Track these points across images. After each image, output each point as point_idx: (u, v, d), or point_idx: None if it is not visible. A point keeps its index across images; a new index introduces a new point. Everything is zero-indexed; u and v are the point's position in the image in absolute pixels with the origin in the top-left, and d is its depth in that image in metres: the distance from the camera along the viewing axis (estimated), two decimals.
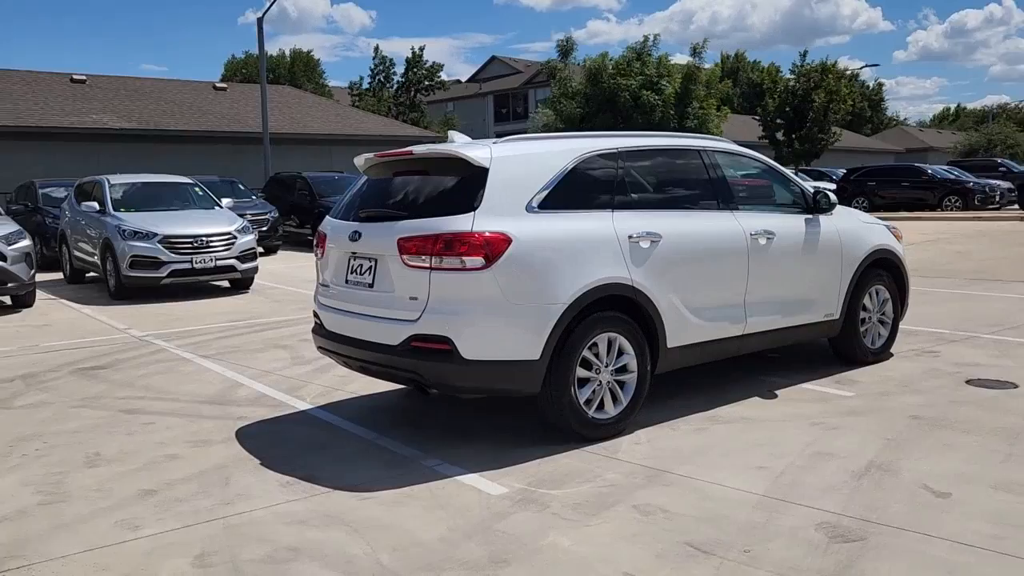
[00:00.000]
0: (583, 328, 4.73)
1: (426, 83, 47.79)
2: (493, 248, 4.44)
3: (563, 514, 3.83)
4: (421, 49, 48.68)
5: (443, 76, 49.35)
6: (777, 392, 5.84)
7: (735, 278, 5.54)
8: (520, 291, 4.51)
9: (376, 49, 59.78)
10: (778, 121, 30.73)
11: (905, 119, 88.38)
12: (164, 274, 11.51)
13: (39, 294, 12.21)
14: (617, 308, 4.93)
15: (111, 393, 6.35)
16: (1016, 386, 5.87)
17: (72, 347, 8.24)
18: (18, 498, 4.20)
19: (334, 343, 5.13)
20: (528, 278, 4.54)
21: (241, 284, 12.44)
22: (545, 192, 4.75)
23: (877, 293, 6.66)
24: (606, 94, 18.96)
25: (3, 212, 11.96)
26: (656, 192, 5.44)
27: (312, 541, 3.60)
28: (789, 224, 5.98)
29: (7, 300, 11.18)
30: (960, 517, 3.67)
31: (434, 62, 48.33)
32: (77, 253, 13.37)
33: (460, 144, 4.97)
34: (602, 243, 4.83)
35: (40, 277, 14.36)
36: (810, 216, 6.13)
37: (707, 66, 21.42)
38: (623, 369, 4.98)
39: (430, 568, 3.32)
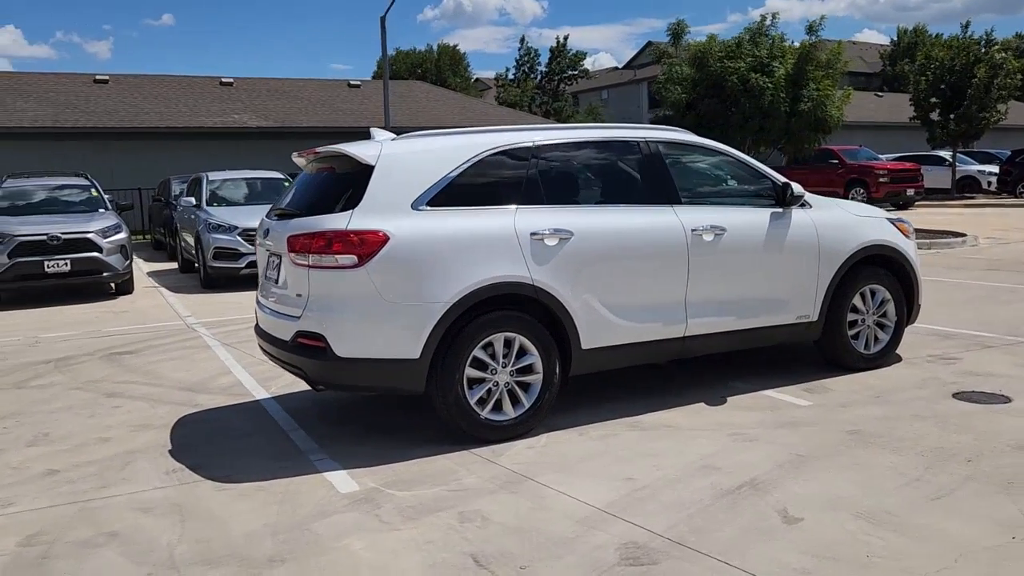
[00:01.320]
0: (473, 327, 4.64)
1: (569, 72, 47.71)
2: (367, 246, 4.45)
3: (384, 516, 3.80)
4: (565, 38, 48.91)
5: (587, 64, 49.10)
6: (729, 398, 5.47)
7: (671, 276, 5.23)
8: (398, 289, 4.50)
9: (522, 40, 60.46)
10: (932, 100, 28.22)
11: None
12: (242, 265, 12.25)
13: (145, 281, 13.40)
14: (517, 307, 4.80)
15: (114, 377, 6.88)
16: (1008, 400, 5.20)
17: (126, 332, 8.97)
18: None
19: (260, 339, 5.31)
20: (406, 276, 4.51)
21: None
22: (436, 189, 4.69)
23: (873, 294, 6.06)
24: (712, 78, 18.19)
25: (110, 207, 13.12)
26: (577, 187, 5.22)
27: (136, 528, 3.78)
28: (748, 219, 5.56)
29: (112, 287, 12.30)
30: (784, 546, 3.32)
31: (577, 51, 48.24)
32: (183, 244, 14.50)
33: (355, 143, 4.98)
34: (497, 241, 4.71)
35: (166, 267, 15.82)
36: (779, 210, 5.67)
37: (828, 42, 19.92)
38: (528, 370, 4.84)
39: (208, 562, 3.41)
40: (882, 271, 6.09)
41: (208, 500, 4.09)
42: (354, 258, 4.44)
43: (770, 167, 6.25)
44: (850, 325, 5.98)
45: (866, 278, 6.01)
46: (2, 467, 4.72)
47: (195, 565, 3.39)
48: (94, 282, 11.87)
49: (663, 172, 5.37)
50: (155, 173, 21.77)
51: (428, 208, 4.65)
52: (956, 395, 5.36)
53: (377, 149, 4.72)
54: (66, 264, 11.41)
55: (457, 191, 4.74)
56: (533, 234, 4.79)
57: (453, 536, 3.56)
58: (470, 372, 4.67)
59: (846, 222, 5.96)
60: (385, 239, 4.48)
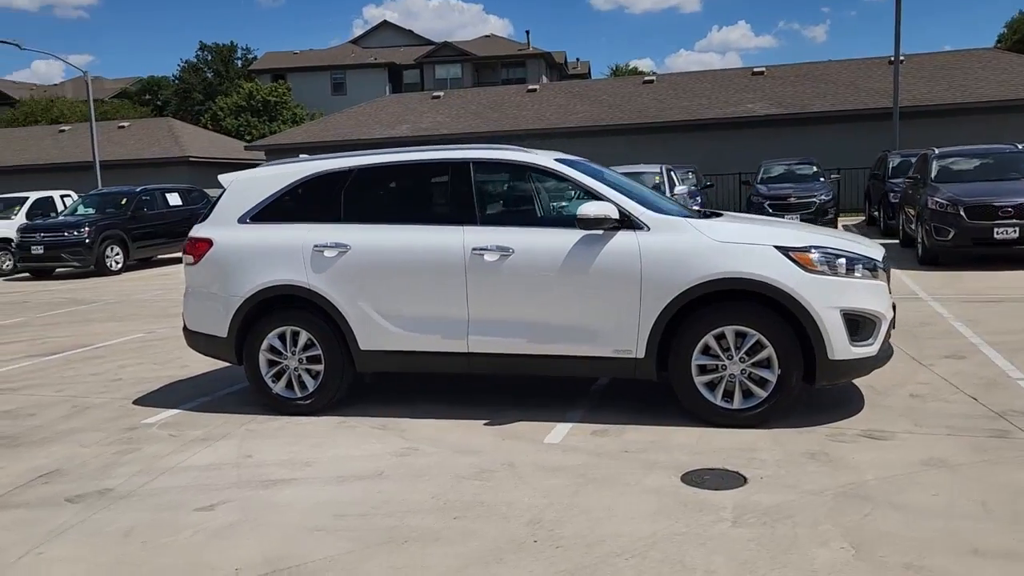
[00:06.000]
0: (266, 319, 5.81)
1: None
2: (198, 249, 6.01)
3: (106, 439, 5.47)
4: None
5: None
6: (518, 423, 5.31)
7: (447, 293, 5.39)
8: (215, 283, 5.95)
9: None
10: None
11: None
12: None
13: None
14: (305, 307, 5.74)
15: None
16: (739, 484, 4.15)
17: None
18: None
19: None
20: (220, 274, 5.92)
21: None
22: (259, 207, 5.92)
23: (741, 337, 4.95)
24: None
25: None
26: (374, 207, 5.71)
27: (29, 413, 6.17)
28: (546, 240, 5.24)
29: None
30: (147, 522, 4.05)
31: None
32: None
33: (238, 172, 6.32)
34: (287, 251, 5.72)
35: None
36: (596, 232, 5.14)
37: None
38: (316, 359, 5.76)
39: (4, 437, 5.61)
40: (767, 312, 4.93)
41: (88, 415, 6.17)
42: (192, 258, 6.06)
43: None
44: (703, 371, 5.04)
45: (729, 317, 4.97)
46: (87, 372, 7.60)
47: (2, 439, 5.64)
48: None
49: (464, 192, 5.48)
50: (679, 159, 23.15)
51: (249, 223, 5.93)
52: (688, 473, 4.32)
53: (235, 176, 6.17)
54: None
55: (274, 209, 5.90)
56: (315, 246, 5.66)
57: (102, 460, 5.04)
58: (267, 355, 5.84)
59: (692, 249, 4.99)
60: (210, 245, 5.96)
